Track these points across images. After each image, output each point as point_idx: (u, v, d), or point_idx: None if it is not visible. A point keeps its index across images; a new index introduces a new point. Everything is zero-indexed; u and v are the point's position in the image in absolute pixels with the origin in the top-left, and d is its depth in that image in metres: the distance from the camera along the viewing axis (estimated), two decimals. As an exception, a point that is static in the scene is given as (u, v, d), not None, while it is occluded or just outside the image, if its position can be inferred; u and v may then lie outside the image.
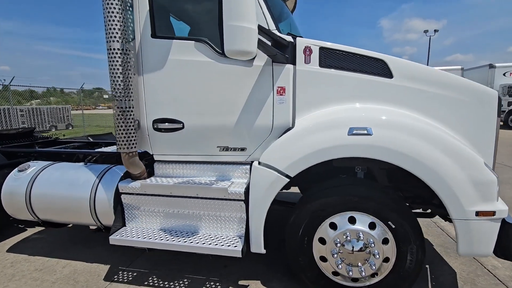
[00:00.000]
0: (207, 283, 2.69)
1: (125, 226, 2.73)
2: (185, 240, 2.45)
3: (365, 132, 2.06)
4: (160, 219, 2.67)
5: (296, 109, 2.39)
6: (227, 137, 2.51)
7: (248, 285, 2.66)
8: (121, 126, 2.42)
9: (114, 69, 2.34)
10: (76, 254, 3.26)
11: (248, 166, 2.59)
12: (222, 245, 2.35)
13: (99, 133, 5.81)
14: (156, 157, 2.75)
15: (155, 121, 2.57)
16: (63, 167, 3.10)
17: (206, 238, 2.48)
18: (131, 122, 2.45)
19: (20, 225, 4.05)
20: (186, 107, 2.50)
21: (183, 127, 2.52)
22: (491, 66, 19.04)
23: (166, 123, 2.54)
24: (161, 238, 2.48)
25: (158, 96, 2.51)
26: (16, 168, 3.11)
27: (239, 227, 2.50)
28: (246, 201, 2.37)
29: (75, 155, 3.57)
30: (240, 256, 2.28)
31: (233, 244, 2.36)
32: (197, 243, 2.40)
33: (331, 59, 2.33)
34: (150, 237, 2.51)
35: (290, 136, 2.26)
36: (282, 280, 2.73)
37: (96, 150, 3.77)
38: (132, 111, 2.45)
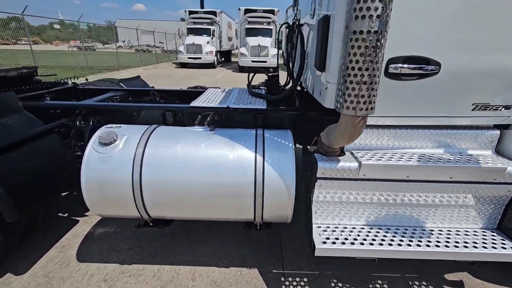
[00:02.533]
0: None
1: (309, 221, 1.82)
2: (427, 243, 1.67)
3: None
4: (370, 211, 1.81)
5: None
6: (494, 87, 1.61)
7: None
8: (364, 66, 1.32)
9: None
10: (189, 254, 2.30)
11: (497, 132, 1.79)
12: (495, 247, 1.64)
13: (114, 77, 4.24)
14: None
15: (390, 62, 1.52)
16: (177, 135, 1.91)
17: (446, 235, 1.74)
18: (379, 57, 1.36)
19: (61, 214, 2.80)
20: (450, 37, 1.48)
21: (438, 71, 1.53)
22: None
23: (412, 65, 1.51)
24: (386, 242, 1.67)
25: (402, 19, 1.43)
26: (96, 140, 1.82)
27: (492, 218, 1.80)
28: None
29: (161, 111, 2.31)
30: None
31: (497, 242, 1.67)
32: (454, 246, 1.65)
33: None
34: (363, 241, 1.67)
35: None
36: None
37: (200, 104, 2.48)
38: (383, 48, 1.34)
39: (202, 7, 29.22)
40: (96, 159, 1.76)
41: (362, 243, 1.62)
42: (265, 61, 16.23)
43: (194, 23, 19.20)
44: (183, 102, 3.14)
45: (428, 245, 1.64)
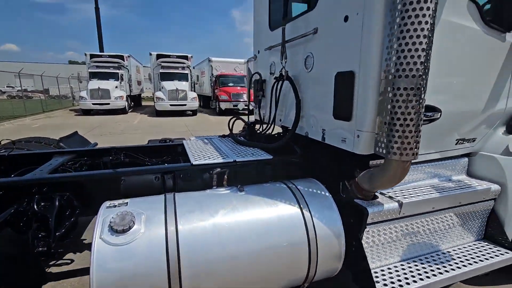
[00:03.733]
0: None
1: (366, 269, 1.77)
2: (446, 269, 1.87)
3: None
4: (404, 246, 1.91)
5: (522, 93, 2.26)
6: (470, 126, 2.07)
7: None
8: (410, 116, 1.49)
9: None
10: None
11: (466, 159, 2.26)
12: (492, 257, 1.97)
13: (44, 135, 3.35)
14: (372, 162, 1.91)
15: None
16: (206, 203, 1.60)
17: (458, 255, 2.00)
18: (422, 109, 1.55)
19: None
20: (448, 88, 1.85)
21: (439, 116, 1.86)
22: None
23: (426, 112, 1.80)
24: (430, 273, 1.78)
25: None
26: (106, 228, 1.33)
27: (481, 230, 2.17)
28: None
29: (158, 174, 1.92)
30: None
31: (498, 252, 2.03)
32: (469, 264, 1.90)
33: None
34: (413, 277, 1.75)
35: None
36: None
37: (203, 161, 2.13)
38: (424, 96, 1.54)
39: (101, 51, 27.20)
40: (112, 255, 1.28)
41: (415, 281, 1.68)
42: (185, 104, 16.06)
43: (98, 67, 17.59)
44: (157, 160, 2.75)
45: (453, 269, 1.83)
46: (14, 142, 2.67)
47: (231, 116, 3.20)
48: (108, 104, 15.90)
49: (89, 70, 17.22)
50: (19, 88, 24.20)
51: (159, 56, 17.82)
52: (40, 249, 1.64)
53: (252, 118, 3.57)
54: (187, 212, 1.51)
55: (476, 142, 2.20)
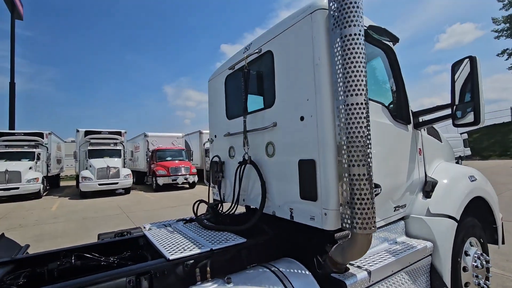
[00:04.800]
0: None
1: None
2: None
3: (474, 179, 3.08)
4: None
5: (425, 166, 3.01)
6: (400, 194, 2.60)
7: None
8: (366, 196, 1.85)
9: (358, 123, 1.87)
10: None
11: (403, 222, 2.75)
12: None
13: None
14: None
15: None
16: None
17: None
18: (373, 190, 1.93)
19: None
20: (383, 168, 2.38)
21: (380, 191, 2.32)
22: (200, 132, 20.13)
23: (369, 189, 2.23)
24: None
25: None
26: None
27: (427, 284, 2.52)
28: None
29: (131, 277, 1.75)
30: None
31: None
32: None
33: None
34: None
35: (447, 187, 2.82)
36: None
37: (179, 255, 2.02)
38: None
39: (12, 128, 24.06)
40: None
41: None
42: (117, 183, 14.77)
43: (7, 146, 15.34)
44: (115, 258, 2.49)
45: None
46: None
47: (196, 200, 3.21)
48: (17, 188, 13.46)
49: (-5, 151, 14.82)
50: None
51: (88, 133, 16.75)
52: None
53: (204, 195, 3.62)
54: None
55: (406, 207, 2.73)
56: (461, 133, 27.82)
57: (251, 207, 2.94)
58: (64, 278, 1.86)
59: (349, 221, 1.85)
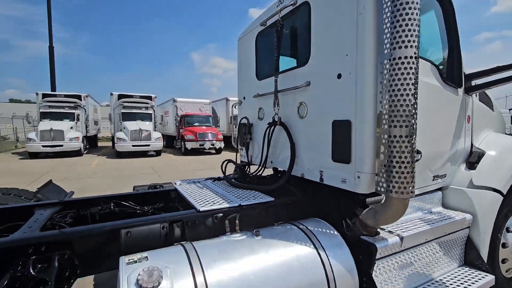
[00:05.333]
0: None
1: None
2: None
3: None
4: (405, 277, 2.04)
5: (473, 136, 2.75)
6: (441, 163, 2.43)
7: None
8: (406, 160, 1.72)
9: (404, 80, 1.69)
10: None
11: (440, 193, 2.59)
12: (476, 281, 2.20)
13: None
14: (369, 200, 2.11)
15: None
16: (227, 250, 1.59)
17: (447, 280, 2.20)
18: (414, 153, 1.80)
19: None
20: (426, 133, 2.19)
21: (420, 157, 2.17)
22: (227, 99, 20.50)
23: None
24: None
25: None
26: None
27: (461, 256, 2.43)
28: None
29: (165, 224, 1.86)
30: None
31: (479, 276, 2.27)
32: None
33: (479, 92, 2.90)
34: None
35: (495, 159, 2.58)
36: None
37: (209, 207, 2.09)
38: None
39: (53, 90, 25.66)
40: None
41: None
42: (148, 145, 15.53)
43: (50, 106, 16.47)
44: (150, 208, 2.64)
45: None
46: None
47: (225, 160, 3.26)
48: (61, 146, 14.68)
49: (41, 110, 16.01)
50: None
51: (121, 97, 17.43)
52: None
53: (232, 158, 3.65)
54: (211, 261, 1.49)
55: (446, 177, 2.55)
56: (510, 109, 25.17)
57: (279, 169, 2.92)
58: (104, 221, 2.01)
59: (384, 185, 1.76)
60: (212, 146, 16.98)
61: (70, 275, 1.63)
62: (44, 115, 15.79)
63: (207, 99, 21.90)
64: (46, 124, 14.74)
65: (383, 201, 2.05)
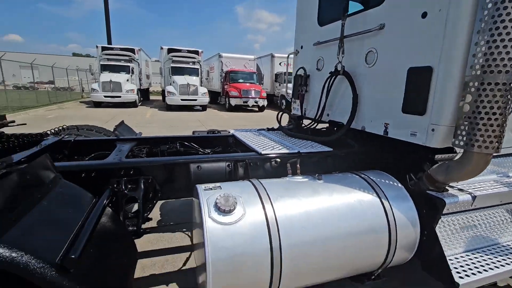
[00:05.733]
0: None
1: (441, 258, 1.82)
2: None
3: None
4: (471, 237, 1.97)
5: None
6: None
7: None
8: (499, 111, 1.53)
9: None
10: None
11: (521, 157, 2.32)
12: None
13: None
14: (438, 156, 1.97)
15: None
16: (292, 189, 1.67)
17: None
18: (510, 104, 1.59)
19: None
20: None
21: None
22: (272, 55, 20.33)
23: None
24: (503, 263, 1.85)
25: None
26: (213, 209, 1.40)
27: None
28: None
29: (230, 162, 1.99)
30: None
31: None
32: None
33: None
34: (486, 265, 1.82)
35: None
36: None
37: (269, 152, 2.20)
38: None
39: (109, 43, 27.15)
40: (222, 234, 1.35)
41: (486, 270, 1.74)
42: (196, 99, 16.12)
43: (109, 59, 17.63)
44: (210, 150, 2.81)
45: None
46: (78, 128, 2.76)
47: (279, 111, 3.26)
48: (119, 97, 15.97)
49: (101, 63, 17.26)
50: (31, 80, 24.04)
51: (170, 51, 17.86)
52: (130, 228, 1.72)
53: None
54: (278, 196, 1.58)
55: None
56: None
57: (336, 122, 2.83)
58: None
59: (465, 138, 1.62)
60: (255, 104, 17.01)
61: (153, 196, 1.89)
62: (103, 68, 17.04)
63: (252, 55, 21.43)
64: (106, 76, 15.97)
65: (458, 156, 1.91)
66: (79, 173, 1.70)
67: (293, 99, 3.61)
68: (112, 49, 18.19)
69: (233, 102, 16.80)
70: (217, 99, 21.27)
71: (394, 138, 2.11)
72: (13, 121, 2.19)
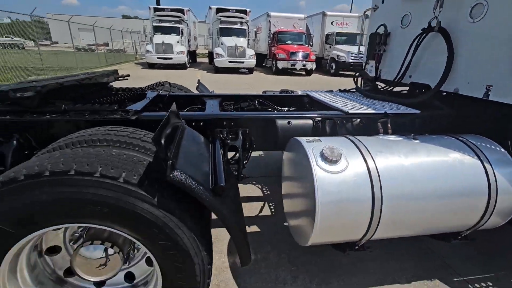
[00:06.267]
0: None
1: None
2: None
3: None
4: None
5: None
6: None
7: None
8: None
9: None
10: (363, 274, 2.11)
11: None
12: None
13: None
14: None
15: None
16: (390, 146, 1.72)
17: None
18: None
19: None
20: None
21: None
22: (324, 14, 18.78)
23: None
24: None
25: None
26: (320, 159, 1.54)
27: None
28: None
29: (318, 120, 2.07)
30: None
31: None
32: None
33: None
34: None
35: None
36: None
37: (356, 111, 2.25)
38: None
39: (158, 4, 27.42)
40: (330, 181, 1.49)
41: None
42: (243, 62, 16.03)
43: (160, 21, 17.99)
44: (286, 109, 2.90)
45: None
46: (170, 85, 3.07)
47: (354, 72, 3.17)
48: (171, 58, 16.51)
49: (153, 24, 17.70)
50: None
51: (218, 10, 17.56)
52: (234, 173, 1.96)
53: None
54: (377, 152, 1.65)
55: None
56: None
57: (420, 84, 2.68)
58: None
59: None
60: (303, 67, 16.38)
61: (249, 147, 2.09)
62: (156, 29, 17.50)
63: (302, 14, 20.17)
64: (159, 38, 16.47)
65: None
66: (190, 121, 1.93)
67: (367, 60, 3.45)
68: (163, 9, 18.41)
69: (281, 65, 16.37)
70: (262, 62, 20.90)
71: (494, 102, 1.98)
72: (128, 75, 2.50)
